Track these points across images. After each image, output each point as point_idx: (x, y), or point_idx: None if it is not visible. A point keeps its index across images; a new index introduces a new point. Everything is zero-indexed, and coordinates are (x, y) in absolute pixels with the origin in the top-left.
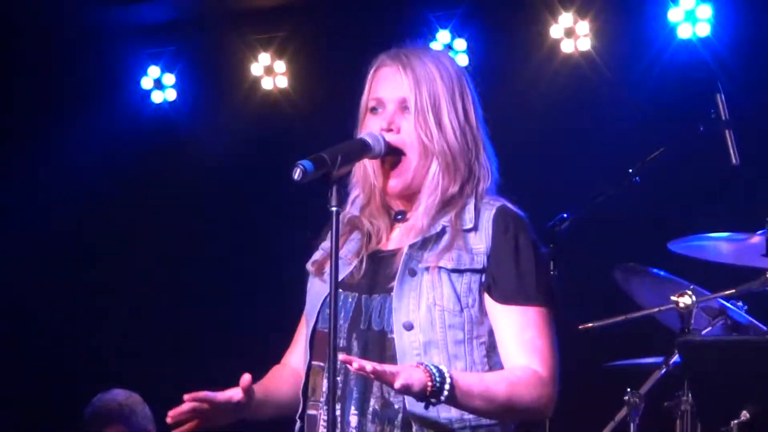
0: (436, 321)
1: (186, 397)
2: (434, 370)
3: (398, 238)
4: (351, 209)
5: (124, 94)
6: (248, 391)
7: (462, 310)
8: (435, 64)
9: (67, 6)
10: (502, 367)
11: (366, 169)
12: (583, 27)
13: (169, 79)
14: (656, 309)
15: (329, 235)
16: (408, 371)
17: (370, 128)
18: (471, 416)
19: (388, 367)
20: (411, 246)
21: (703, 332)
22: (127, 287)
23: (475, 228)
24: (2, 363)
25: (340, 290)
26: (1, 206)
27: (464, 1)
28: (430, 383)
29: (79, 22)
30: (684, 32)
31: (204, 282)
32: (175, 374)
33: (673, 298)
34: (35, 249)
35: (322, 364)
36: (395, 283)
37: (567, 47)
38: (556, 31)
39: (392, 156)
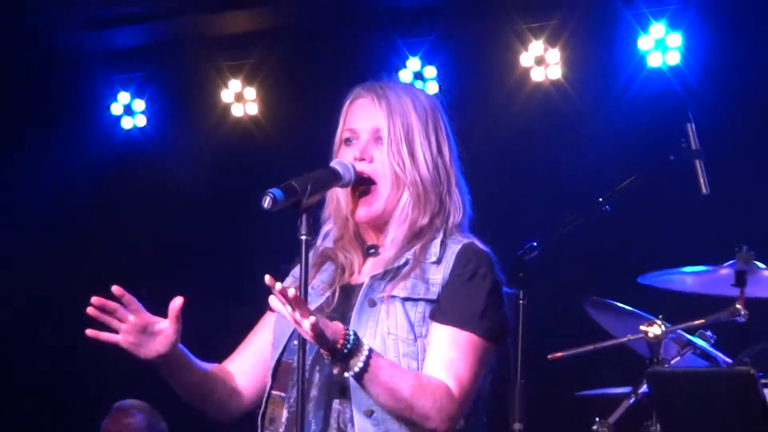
0: (390, 349)
1: (114, 289)
2: (351, 333)
3: (368, 271)
4: (324, 242)
5: (93, 120)
6: (177, 321)
7: (416, 339)
8: (410, 97)
9: (37, 30)
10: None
11: (339, 200)
12: (554, 55)
13: (139, 104)
14: (625, 338)
15: (300, 263)
16: (327, 321)
17: (344, 159)
18: None
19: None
20: (372, 277)
21: (672, 362)
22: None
23: (438, 261)
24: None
25: None
26: None
27: (435, 29)
28: (342, 341)
29: (49, 46)
30: (654, 60)
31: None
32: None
33: (642, 328)
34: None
35: (283, 394)
36: (353, 314)
37: (537, 75)
38: (526, 59)
39: (364, 185)
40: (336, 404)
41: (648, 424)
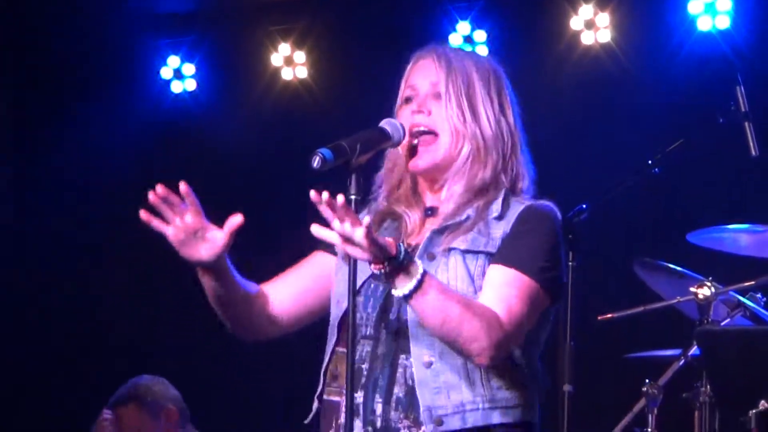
0: None
1: (182, 186)
2: (401, 245)
3: (428, 230)
4: (379, 200)
5: (143, 84)
6: (229, 236)
7: (476, 292)
8: (471, 59)
9: None
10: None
11: (396, 158)
12: (603, 19)
13: (189, 69)
14: (675, 300)
15: None
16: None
17: (403, 117)
18: (482, 398)
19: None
20: (433, 231)
21: (722, 323)
22: (140, 278)
23: (499, 218)
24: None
25: (372, 280)
26: (25, 192)
27: None
28: (394, 251)
29: (98, 10)
30: (704, 24)
31: None
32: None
33: (692, 289)
34: (55, 235)
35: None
36: None
37: (587, 39)
38: (576, 22)
39: (424, 136)
40: (402, 359)
41: (698, 386)
